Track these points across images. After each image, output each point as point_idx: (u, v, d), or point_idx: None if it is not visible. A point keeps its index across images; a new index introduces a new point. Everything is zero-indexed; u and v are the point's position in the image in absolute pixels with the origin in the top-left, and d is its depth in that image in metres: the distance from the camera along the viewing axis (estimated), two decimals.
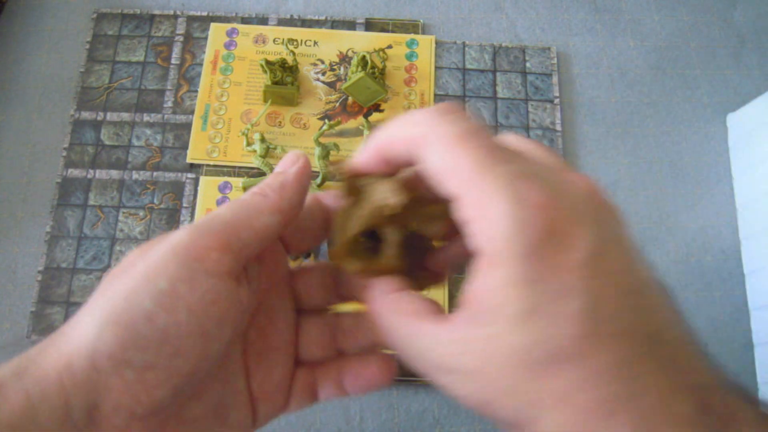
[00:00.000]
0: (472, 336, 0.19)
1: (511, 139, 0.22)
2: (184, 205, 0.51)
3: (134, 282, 0.20)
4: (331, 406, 0.46)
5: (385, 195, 0.22)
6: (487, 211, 0.18)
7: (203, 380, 0.22)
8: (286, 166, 0.24)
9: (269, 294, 0.25)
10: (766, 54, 0.60)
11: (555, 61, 0.57)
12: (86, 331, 0.19)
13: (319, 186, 0.50)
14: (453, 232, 0.22)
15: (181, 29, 0.57)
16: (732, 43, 0.60)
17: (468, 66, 0.57)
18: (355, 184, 0.23)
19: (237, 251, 0.21)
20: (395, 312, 0.22)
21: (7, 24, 0.57)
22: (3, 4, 0.57)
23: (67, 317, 0.47)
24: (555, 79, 0.57)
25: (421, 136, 0.20)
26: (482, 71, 0.57)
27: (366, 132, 0.50)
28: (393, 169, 0.22)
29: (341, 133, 0.53)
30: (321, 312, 0.27)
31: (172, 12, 0.57)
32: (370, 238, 0.24)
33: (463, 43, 0.58)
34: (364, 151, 0.23)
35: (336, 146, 0.51)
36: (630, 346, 0.18)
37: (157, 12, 0.57)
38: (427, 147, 0.20)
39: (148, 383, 0.19)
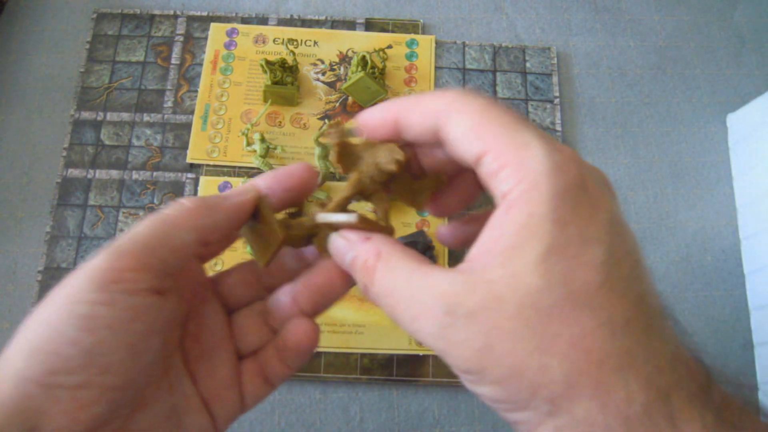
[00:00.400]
0: (481, 277, 0.19)
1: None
2: None
3: (56, 309, 0.21)
4: (331, 406, 0.46)
5: (388, 157, 0.23)
6: (523, 157, 0.19)
7: (144, 391, 0.23)
8: (234, 193, 0.25)
9: (195, 301, 0.26)
10: (766, 54, 0.60)
11: (555, 61, 0.57)
12: (13, 361, 0.20)
13: (319, 186, 0.50)
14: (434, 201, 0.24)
15: (181, 29, 0.57)
16: (732, 43, 0.60)
17: (468, 66, 0.57)
18: (350, 147, 0.23)
19: (154, 269, 0.22)
20: (400, 258, 0.21)
21: (7, 24, 0.57)
22: (3, 4, 0.57)
23: None
24: (555, 79, 0.57)
25: (446, 106, 0.21)
26: (482, 71, 0.57)
27: None
28: (398, 137, 0.23)
29: None
30: (249, 304, 0.28)
31: (172, 12, 0.57)
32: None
33: (463, 43, 0.58)
34: (373, 117, 0.23)
35: None
36: (638, 308, 0.18)
37: (157, 12, 0.57)
38: (453, 114, 0.21)
39: (82, 402, 0.20)
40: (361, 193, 0.24)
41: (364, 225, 0.23)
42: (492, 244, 0.19)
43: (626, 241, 0.19)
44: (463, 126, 0.20)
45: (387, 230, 0.24)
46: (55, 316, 0.20)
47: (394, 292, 0.21)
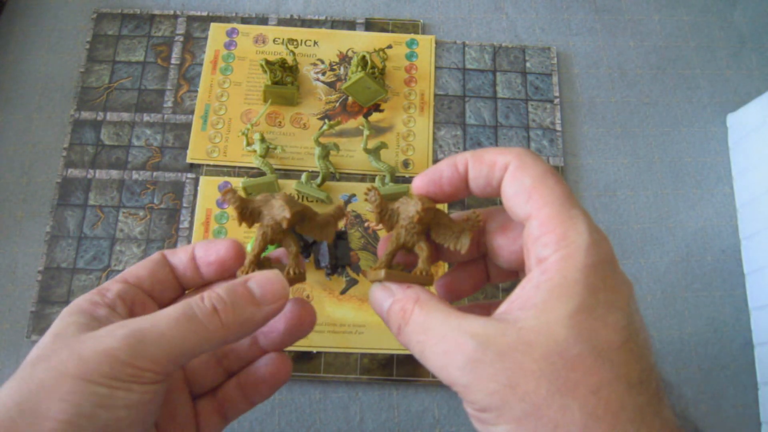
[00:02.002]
0: (513, 324, 0.21)
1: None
2: (184, 205, 0.51)
3: (70, 384, 0.21)
4: (331, 406, 0.46)
5: (411, 210, 0.25)
6: (567, 229, 0.21)
7: None
8: (266, 298, 0.25)
9: None
10: (766, 54, 0.60)
11: (555, 61, 0.57)
12: (18, 426, 0.21)
13: (319, 186, 0.50)
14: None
15: (181, 29, 0.57)
16: (732, 43, 0.60)
17: (468, 66, 0.57)
18: (387, 207, 0.26)
19: (173, 370, 0.23)
20: (437, 303, 0.23)
21: (7, 24, 0.57)
22: (3, 4, 0.57)
23: None
24: (555, 79, 0.57)
25: (508, 162, 0.23)
26: (482, 71, 0.57)
27: (366, 132, 0.50)
28: (441, 192, 0.26)
29: (341, 133, 0.53)
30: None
31: (172, 12, 0.57)
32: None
33: (463, 43, 0.58)
34: (421, 178, 0.26)
35: (336, 146, 0.51)
36: (650, 373, 0.21)
37: (157, 12, 0.57)
38: (514, 171, 0.23)
39: None
40: (403, 246, 0.26)
41: (403, 278, 0.25)
42: (525, 300, 0.21)
43: (640, 318, 0.22)
44: (519, 186, 0.23)
45: (427, 279, 0.26)
46: (70, 391, 0.21)
47: (427, 330, 0.22)
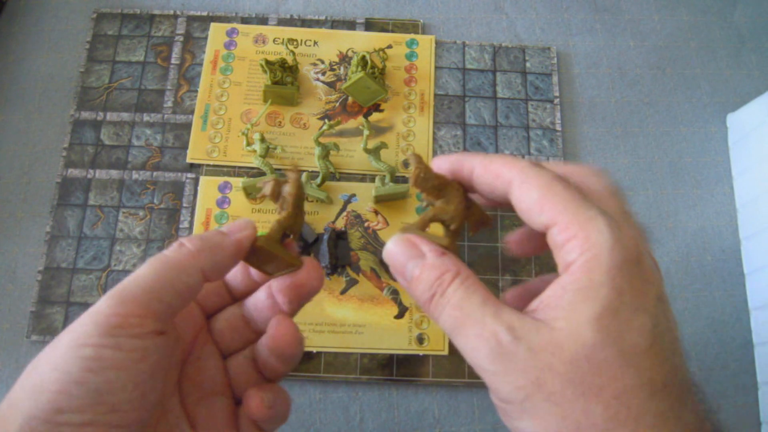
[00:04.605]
0: (546, 324, 0.21)
1: (583, 175, 0.25)
2: (184, 204, 0.51)
3: (61, 351, 0.21)
4: (331, 406, 0.46)
5: (460, 206, 0.25)
6: (588, 231, 0.21)
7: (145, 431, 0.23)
8: (233, 230, 0.26)
9: (194, 344, 0.27)
10: (766, 54, 0.60)
11: (555, 61, 0.57)
12: (19, 401, 0.21)
13: (319, 186, 0.50)
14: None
15: (181, 29, 0.56)
16: (732, 43, 0.60)
17: (468, 66, 0.57)
18: (435, 184, 0.25)
19: (159, 312, 0.23)
20: (478, 282, 0.23)
21: (7, 24, 0.57)
22: (3, 4, 0.57)
23: (66, 317, 0.47)
24: (555, 79, 0.57)
25: (516, 176, 0.23)
26: (482, 71, 0.57)
27: (366, 132, 0.50)
28: (458, 180, 0.26)
29: (341, 133, 0.53)
30: (242, 349, 0.29)
31: (172, 12, 0.57)
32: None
33: (463, 43, 0.58)
34: (445, 164, 0.26)
35: (336, 146, 0.51)
36: (674, 376, 0.21)
37: (157, 12, 0.57)
38: (522, 185, 0.23)
39: None
40: (440, 219, 0.26)
41: (444, 243, 0.25)
42: (556, 300, 0.21)
43: (669, 317, 0.22)
44: (530, 198, 0.23)
45: (455, 252, 0.25)
46: (61, 358, 0.21)
47: (463, 308, 0.22)
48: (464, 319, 0.22)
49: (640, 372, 0.20)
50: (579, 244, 0.21)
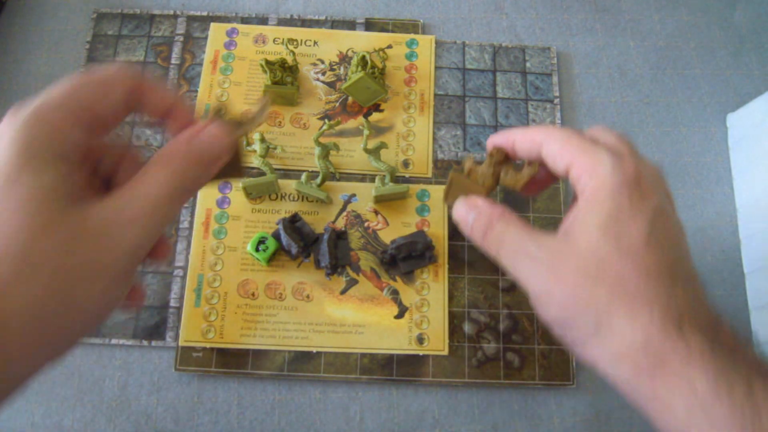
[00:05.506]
0: (566, 237, 0.27)
1: (598, 132, 0.31)
2: (184, 204, 0.51)
3: None
4: (331, 406, 0.46)
5: (487, 170, 0.34)
6: (596, 166, 0.28)
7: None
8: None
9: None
10: (766, 54, 0.60)
11: (555, 61, 0.57)
12: None
13: (319, 186, 0.50)
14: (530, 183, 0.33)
15: (181, 29, 0.57)
16: (732, 43, 0.60)
17: (468, 66, 0.57)
18: (500, 159, 0.33)
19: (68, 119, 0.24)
20: (517, 218, 0.30)
21: (7, 24, 0.57)
22: (3, 4, 0.57)
23: None
24: (555, 79, 0.57)
25: (543, 136, 0.30)
26: (482, 71, 0.57)
27: (366, 132, 0.50)
28: (512, 151, 0.33)
29: (341, 133, 0.53)
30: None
31: (172, 12, 0.57)
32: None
33: (463, 43, 0.58)
34: (499, 138, 0.33)
35: (336, 146, 0.51)
36: (669, 266, 0.26)
37: (157, 12, 0.57)
38: (548, 141, 0.30)
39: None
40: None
41: (465, 183, 0.34)
42: (571, 219, 0.28)
43: (668, 224, 0.27)
44: (554, 149, 0.30)
45: (482, 191, 0.34)
46: None
47: (507, 235, 0.29)
48: (508, 238, 0.29)
49: (635, 262, 0.26)
50: (588, 175, 0.28)
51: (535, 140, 0.31)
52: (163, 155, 0.26)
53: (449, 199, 0.34)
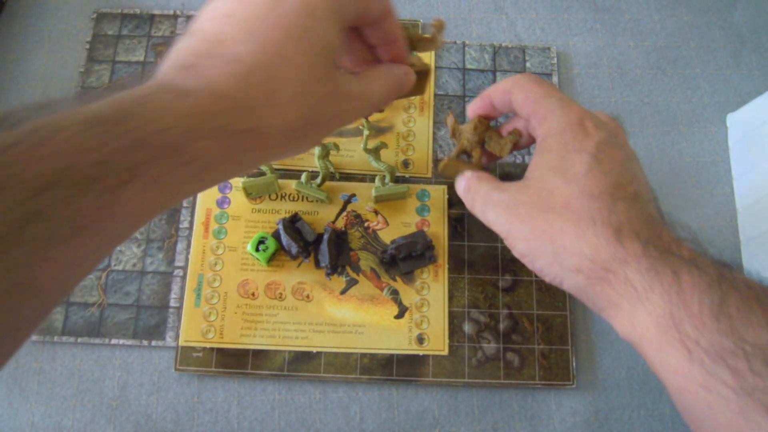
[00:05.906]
0: (527, 180, 0.33)
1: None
2: (184, 204, 0.51)
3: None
4: (331, 406, 0.46)
5: (471, 131, 0.39)
6: (547, 114, 0.33)
7: None
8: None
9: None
10: (766, 54, 0.60)
11: (555, 61, 0.57)
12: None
13: (319, 186, 0.50)
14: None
15: (181, 29, 0.56)
16: (732, 43, 0.60)
17: (468, 66, 0.57)
18: (458, 127, 0.39)
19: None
20: (489, 178, 0.36)
21: (7, 24, 0.57)
22: (3, 4, 0.57)
23: (66, 317, 0.47)
24: (555, 79, 0.57)
25: (510, 86, 0.35)
26: (482, 71, 0.57)
27: (366, 132, 0.50)
28: (492, 108, 0.38)
29: (341, 133, 0.53)
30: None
31: (172, 12, 0.57)
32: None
33: (463, 43, 0.58)
34: (477, 101, 0.38)
35: (336, 146, 0.51)
36: (610, 190, 0.30)
37: (157, 12, 0.57)
38: (514, 90, 0.34)
39: None
40: (465, 150, 0.39)
41: (459, 165, 0.39)
42: (530, 165, 0.33)
43: (612, 154, 0.31)
44: (520, 98, 0.34)
45: (476, 167, 0.39)
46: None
47: (480, 190, 0.35)
48: (478, 196, 0.35)
49: (579, 187, 0.30)
50: (541, 122, 0.33)
51: (506, 91, 0.35)
52: (387, 74, 0.34)
53: (447, 172, 0.39)
